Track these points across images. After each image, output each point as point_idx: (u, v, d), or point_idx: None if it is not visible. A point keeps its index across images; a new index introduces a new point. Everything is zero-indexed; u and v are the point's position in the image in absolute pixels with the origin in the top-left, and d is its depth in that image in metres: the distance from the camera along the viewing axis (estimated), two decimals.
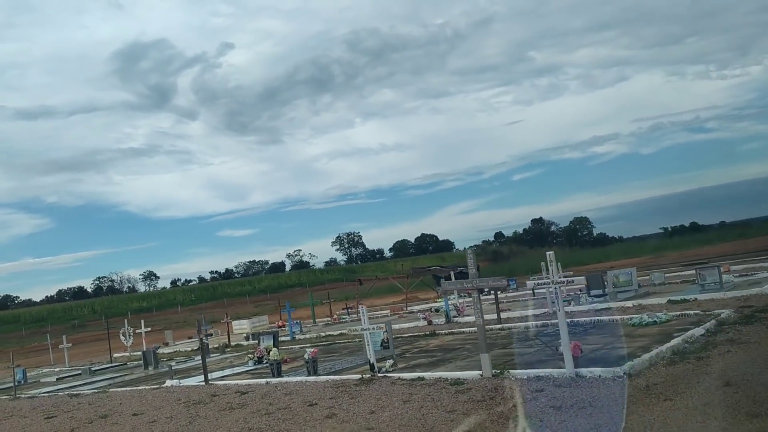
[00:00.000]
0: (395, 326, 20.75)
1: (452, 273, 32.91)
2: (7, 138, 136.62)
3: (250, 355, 15.57)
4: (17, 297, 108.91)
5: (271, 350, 14.25)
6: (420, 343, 15.85)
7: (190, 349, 27.65)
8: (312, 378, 12.12)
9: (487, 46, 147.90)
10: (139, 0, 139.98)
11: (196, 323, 26.66)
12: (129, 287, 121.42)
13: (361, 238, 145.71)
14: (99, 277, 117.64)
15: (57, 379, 22.55)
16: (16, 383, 23.05)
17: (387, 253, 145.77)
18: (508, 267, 73.63)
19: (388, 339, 13.50)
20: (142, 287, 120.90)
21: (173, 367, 19.83)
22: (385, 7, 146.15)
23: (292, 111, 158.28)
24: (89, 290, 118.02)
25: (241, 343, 25.83)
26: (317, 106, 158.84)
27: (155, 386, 14.01)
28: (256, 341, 15.39)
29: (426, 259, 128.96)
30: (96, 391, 15.51)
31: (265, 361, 15.29)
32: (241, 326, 34.18)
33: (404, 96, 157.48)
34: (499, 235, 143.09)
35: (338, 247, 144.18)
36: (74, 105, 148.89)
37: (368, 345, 11.95)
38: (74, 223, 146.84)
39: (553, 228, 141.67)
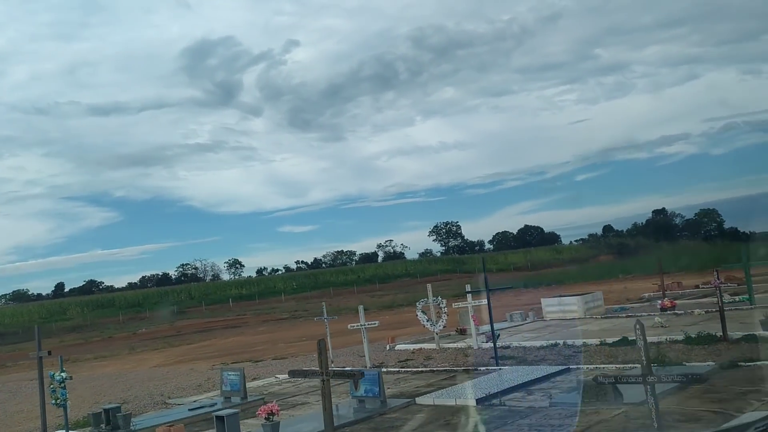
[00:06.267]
0: None
1: None
2: (80, 134, 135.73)
3: None
4: (101, 282, 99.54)
5: None
6: None
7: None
8: None
9: (553, 43, 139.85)
10: None
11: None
12: (213, 275, 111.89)
13: (459, 229, 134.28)
14: (183, 264, 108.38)
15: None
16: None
17: (486, 245, 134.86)
18: (638, 262, 61.59)
19: None
20: (225, 276, 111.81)
21: None
22: (450, 3, 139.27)
23: (355, 108, 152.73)
24: (173, 277, 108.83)
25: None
26: (380, 103, 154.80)
27: None
28: None
29: (537, 252, 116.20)
30: None
31: None
32: (565, 306, 21.30)
33: (466, 94, 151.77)
34: (608, 229, 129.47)
35: (435, 237, 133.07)
36: (144, 101, 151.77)
37: None
38: (141, 216, 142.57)
39: (677, 221, 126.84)
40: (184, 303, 78.81)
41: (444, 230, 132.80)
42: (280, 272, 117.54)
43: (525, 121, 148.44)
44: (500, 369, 12.48)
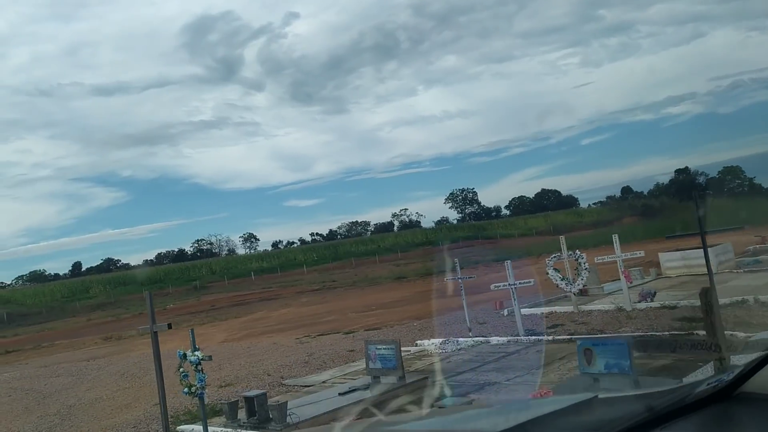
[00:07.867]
0: None
1: None
2: (84, 115, 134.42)
3: None
4: (119, 260, 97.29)
5: None
6: None
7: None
8: None
9: (555, 5, 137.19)
10: None
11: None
12: (229, 250, 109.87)
13: (476, 195, 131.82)
14: (198, 240, 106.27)
15: None
16: None
17: (503, 211, 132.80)
18: (661, 224, 59.32)
19: None
20: (241, 250, 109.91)
21: None
22: None
23: (357, 79, 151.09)
24: (188, 253, 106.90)
25: None
26: (382, 73, 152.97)
27: None
28: None
29: (558, 216, 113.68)
30: None
31: None
32: (690, 260, 18.74)
33: (468, 61, 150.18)
34: (627, 190, 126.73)
35: (451, 204, 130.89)
36: (147, 80, 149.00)
37: None
38: (149, 195, 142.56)
39: (700, 179, 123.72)
40: (206, 278, 77.09)
41: (460, 197, 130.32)
42: (295, 245, 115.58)
43: (528, 86, 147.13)
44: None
